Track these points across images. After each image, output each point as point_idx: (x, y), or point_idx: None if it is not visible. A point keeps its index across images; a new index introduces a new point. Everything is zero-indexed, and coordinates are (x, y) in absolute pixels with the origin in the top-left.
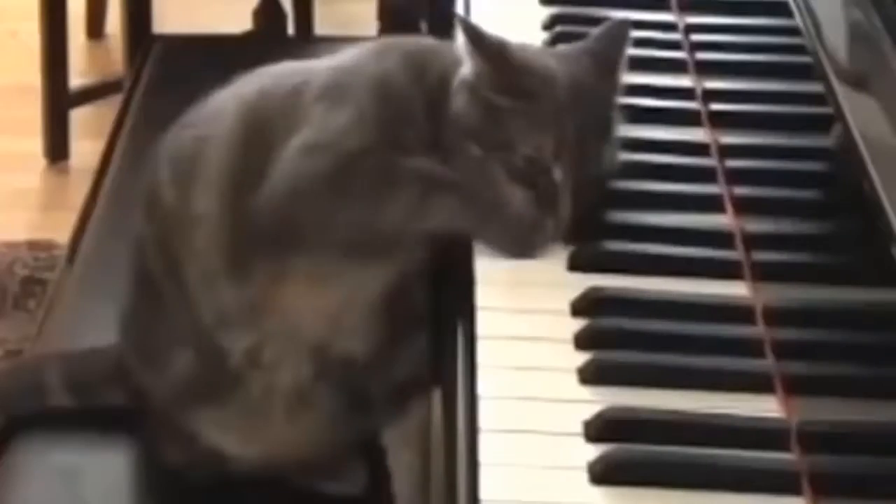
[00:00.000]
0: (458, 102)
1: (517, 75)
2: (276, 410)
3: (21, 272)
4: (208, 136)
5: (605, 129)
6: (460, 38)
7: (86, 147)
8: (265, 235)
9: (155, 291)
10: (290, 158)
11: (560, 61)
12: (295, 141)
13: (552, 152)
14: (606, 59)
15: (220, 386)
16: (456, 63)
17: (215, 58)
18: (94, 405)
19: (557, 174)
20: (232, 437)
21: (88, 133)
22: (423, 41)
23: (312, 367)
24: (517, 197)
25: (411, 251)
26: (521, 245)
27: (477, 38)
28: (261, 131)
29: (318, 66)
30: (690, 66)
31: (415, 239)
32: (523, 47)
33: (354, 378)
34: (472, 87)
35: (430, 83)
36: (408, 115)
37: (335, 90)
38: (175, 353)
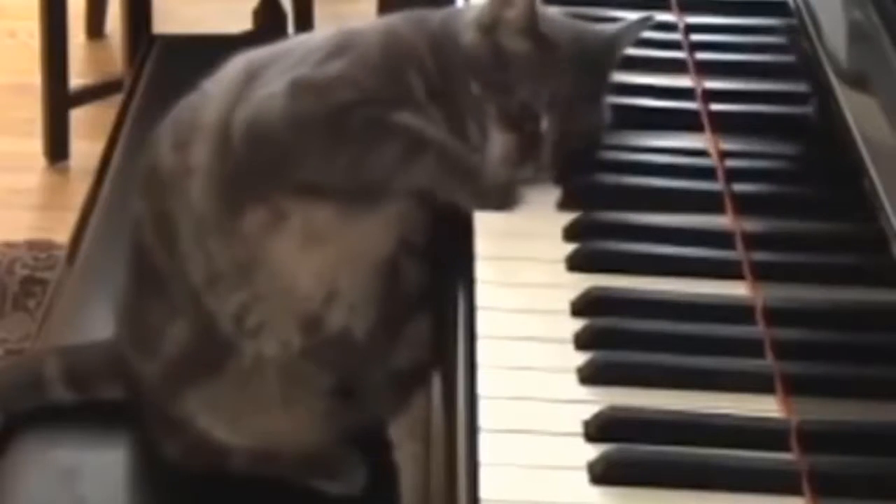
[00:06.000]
0: (467, 39)
1: (532, 23)
2: (267, 392)
3: (21, 272)
4: (207, 97)
5: (597, 95)
6: None
7: (86, 147)
8: (250, 166)
9: (149, 270)
10: (279, 92)
11: (572, 25)
12: (287, 74)
13: (546, 102)
14: (613, 38)
15: (211, 360)
16: (457, 11)
17: (215, 58)
18: (94, 398)
19: (545, 124)
20: (223, 420)
21: (88, 133)
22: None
23: (302, 342)
24: (502, 140)
25: (403, 214)
26: (492, 203)
27: None
28: (255, 76)
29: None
30: (690, 66)
31: (401, 194)
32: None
33: (350, 363)
34: (484, 27)
35: (433, 28)
36: (412, 61)
37: (336, 44)
38: (168, 331)
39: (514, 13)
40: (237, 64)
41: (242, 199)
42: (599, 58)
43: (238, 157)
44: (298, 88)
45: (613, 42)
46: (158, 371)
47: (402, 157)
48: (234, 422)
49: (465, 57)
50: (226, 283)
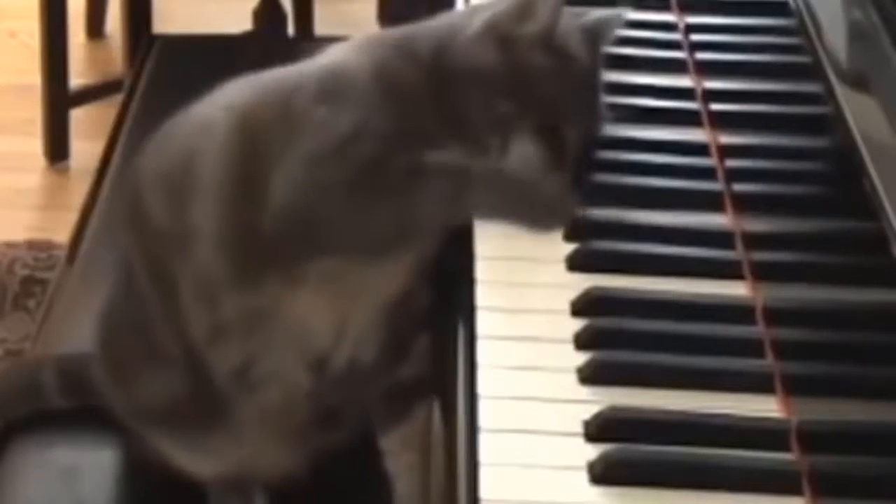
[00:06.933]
0: (480, 59)
1: (554, 37)
2: (244, 431)
3: (21, 272)
4: (198, 150)
5: (599, 89)
6: None
7: (86, 147)
8: (278, 247)
9: (139, 306)
10: (298, 170)
11: (575, 24)
12: (298, 150)
13: (568, 112)
14: (595, 35)
15: (198, 412)
16: (449, 30)
17: (215, 58)
18: (91, 406)
19: (569, 132)
20: (188, 453)
21: (88, 133)
22: (401, 28)
23: (309, 382)
24: (529, 153)
25: (429, 245)
26: (548, 223)
27: None
28: (256, 142)
29: (305, 70)
30: (690, 66)
31: (441, 230)
32: None
33: (354, 391)
34: (500, 43)
35: (428, 60)
36: (415, 100)
37: (332, 93)
38: (153, 374)
39: (535, 28)
40: (220, 119)
41: (265, 270)
42: (596, 49)
43: (270, 237)
44: (319, 159)
45: (598, 32)
46: (130, 406)
47: (450, 195)
48: (201, 453)
49: (479, 79)
50: (232, 339)
